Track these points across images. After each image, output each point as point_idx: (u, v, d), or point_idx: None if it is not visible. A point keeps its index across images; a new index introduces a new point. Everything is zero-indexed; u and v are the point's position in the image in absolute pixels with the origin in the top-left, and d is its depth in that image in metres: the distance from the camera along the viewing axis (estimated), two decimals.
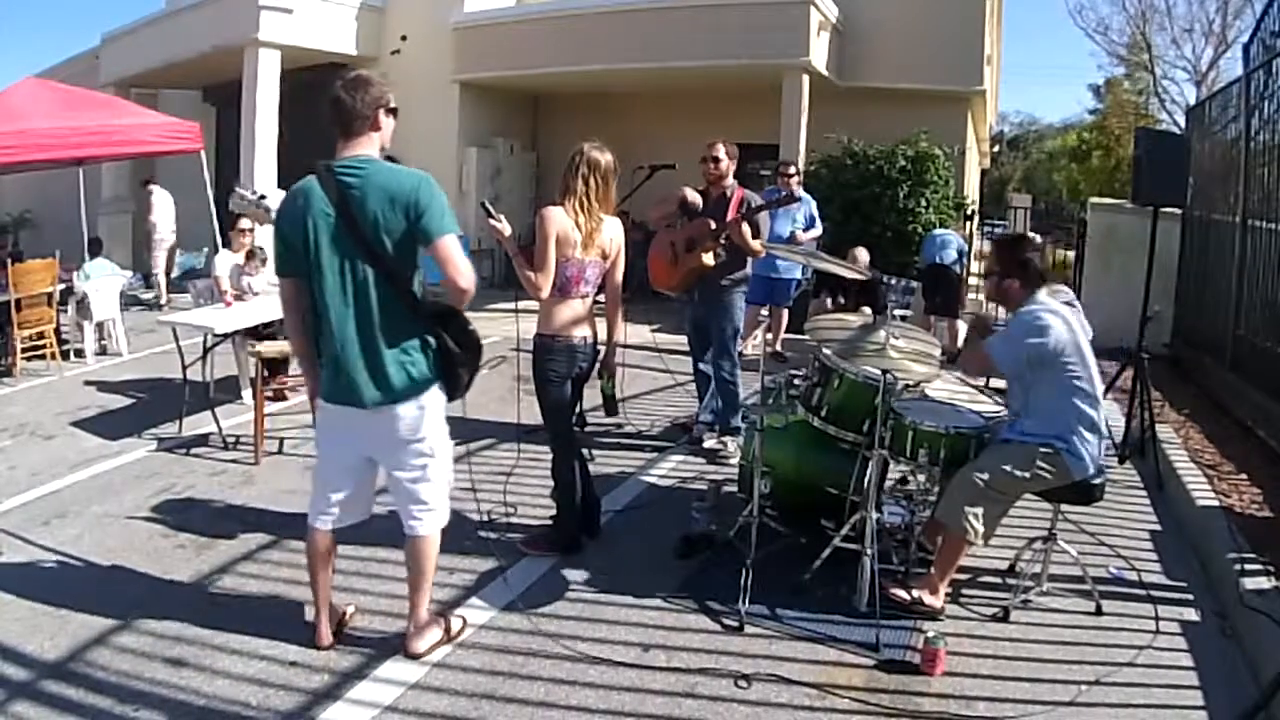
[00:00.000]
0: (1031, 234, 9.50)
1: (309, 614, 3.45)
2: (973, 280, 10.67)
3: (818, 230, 8.58)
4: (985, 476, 3.52)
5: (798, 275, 8.40)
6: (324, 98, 2.99)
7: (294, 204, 2.96)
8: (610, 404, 4.36)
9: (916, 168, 10.26)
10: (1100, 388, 3.63)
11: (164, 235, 12.28)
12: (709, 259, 5.33)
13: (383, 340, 2.95)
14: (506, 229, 3.86)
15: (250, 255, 7.10)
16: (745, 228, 5.34)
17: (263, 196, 3.69)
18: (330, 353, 3.01)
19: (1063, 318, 3.54)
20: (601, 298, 4.15)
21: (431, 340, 3.05)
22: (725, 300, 5.56)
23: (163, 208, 12.29)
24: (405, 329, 2.99)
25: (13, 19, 65.97)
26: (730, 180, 5.63)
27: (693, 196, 5.48)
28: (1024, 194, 25.55)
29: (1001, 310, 3.97)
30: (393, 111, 3.05)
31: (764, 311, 6.73)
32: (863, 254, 8.37)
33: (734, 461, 5.29)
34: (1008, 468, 3.52)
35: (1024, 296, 3.64)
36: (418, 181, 2.93)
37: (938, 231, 9.72)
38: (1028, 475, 3.51)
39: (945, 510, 3.59)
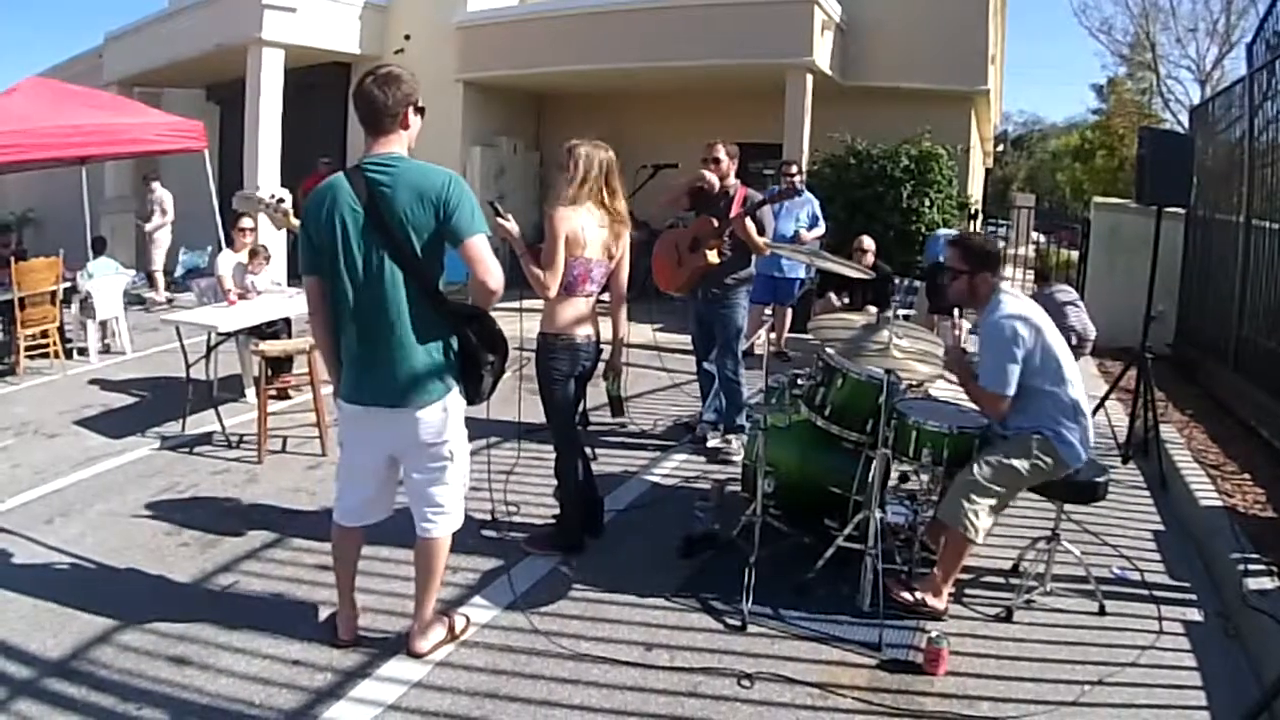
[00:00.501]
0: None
1: (320, 613, 3.47)
2: None
3: (821, 229, 8.58)
4: (984, 472, 3.53)
5: (801, 274, 8.40)
6: (355, 93, 2.95)
7: (321, 202, 2.92)
8: (616, 404, 4.36)
9: (920, 167, 10.24)
10: (1075, 370, 3.64)
11: (166, 234, 12.25)
12: (713, 257, 5.33)
13: (408, 341, 2.92)
14: (515, 228, 3.85)
15: (254, 254, 7.11)
16: (749, 223, 5.34)
17: (281, 200, 3.65)
18: (353, 353, 2.98)
19: (1025, 317, 3.55)
20: (606, 297, 4.16)
21: (455, 342, 3.02)
22: (729, 299, 5.56)
23: (169, 205, 12.26)
24: (431, 330, 2.96)
25: (15, 18, 66.12)
26: (733, 179, 5.63)
27: (710, 178, 5.47)
28: (1028, 194, 25.52)
29: (959, 329, 3.86)
30: (420, 110, 3.02)
31: (767, 311, 6.72)
32: (869, 242, 8.37)
33: (737, 460, 5.30)
34: (1006, 460, 3.53)
35: (991, 291, 3.66)
36: (447, 179, 2.90)
37: (942, 232, 9.72)
38: (1025, 465, 3.52)
39: (946, 509, 3.60)
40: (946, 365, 3.79)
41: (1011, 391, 3.51)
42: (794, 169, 8.35)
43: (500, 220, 3.82)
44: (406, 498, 3.24)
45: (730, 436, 5.66)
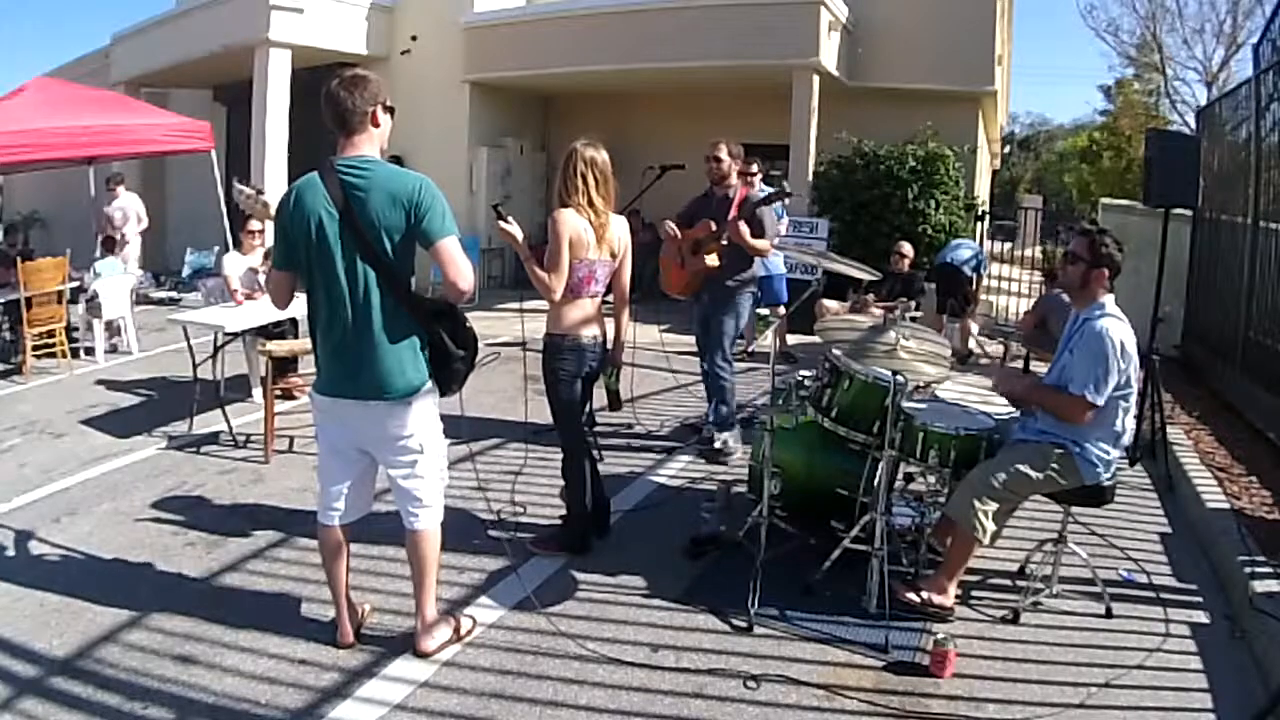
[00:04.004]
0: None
1: (324, 613, 3.47)
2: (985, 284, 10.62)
3: (785, 223, 8.57)
4: (999, 475, 3.50)
5: (783, 271, 8.34)
6: (322, 96, 3.00)
7: (297, 200, 2.97)
8: (614, 399, 4.35)
9: (927, 168, 10.23)
10: (1134, 399, 3.57)
11: (136, 246, 11.61)
12: (713, 260, 5.34)
13: (378, 338, 2.99)
14: (518, 232, 3.84)
15: (263, 255, 7.12)
16: (744, 227, 5.34)
17: (260, 191, 3.79)
18: (325, 347, 3.06)
19: (1129, 336, 3.47)
20: (610, 296, 4.15)
21: (426, 339, 3.09)
22: (732, 300, 5.56)
23: (143, 213, 11.69)
24: (401, 328, 3.03)
25: (22, 18, 66.36)
26: (734, 180, 5.62)
27: (669, 230, 5.58)
28: (1035, 195, 25.44)
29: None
30: (390, 110, 3.08)
31: (762, 310, 6.69)
32: (907, 248, 8.74)
33: (728, 458, 5.41)
34: (1023, 467, 3.50)
35: (1101, 292, 3.58)
36: (419, 184, 2.96)
37: (958, 240, 9.74)
38: (1041, 475, 3.50)
39: (955, 506, 3.58)
40: (1011, 393, 3.79)
41: (1104, 401, 3.41)
42: (753, 168, 7.61)
43: (502, 225, 3.82)
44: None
45: (724, 434, 5.62)
